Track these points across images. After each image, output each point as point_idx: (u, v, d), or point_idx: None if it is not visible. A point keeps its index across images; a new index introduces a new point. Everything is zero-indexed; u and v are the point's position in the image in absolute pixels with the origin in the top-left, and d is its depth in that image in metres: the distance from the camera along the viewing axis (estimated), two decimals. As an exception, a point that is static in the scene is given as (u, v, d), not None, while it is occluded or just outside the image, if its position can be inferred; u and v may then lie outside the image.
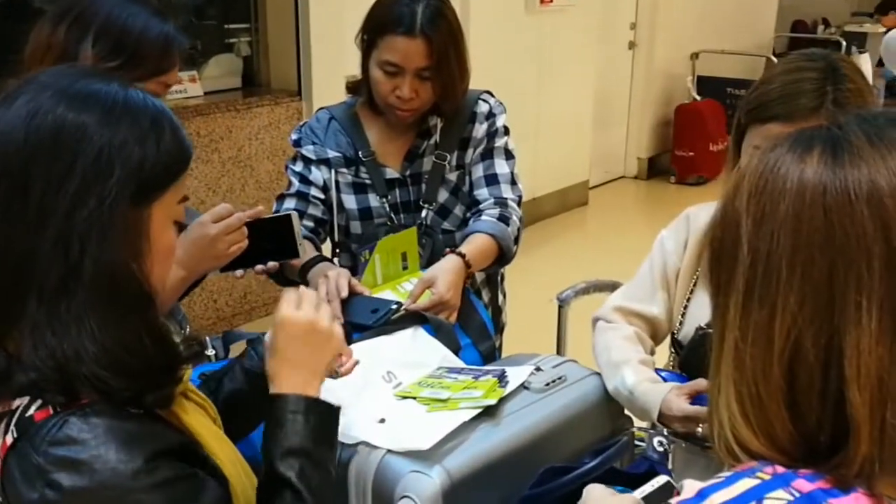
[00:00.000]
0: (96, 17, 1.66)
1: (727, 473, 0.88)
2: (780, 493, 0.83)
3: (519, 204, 2.27)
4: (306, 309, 1.29)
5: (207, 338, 1.89)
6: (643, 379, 1.73)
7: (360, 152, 2.22)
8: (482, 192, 2.24)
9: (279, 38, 4.90)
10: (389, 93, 2.11)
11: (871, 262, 0.82)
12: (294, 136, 2.28)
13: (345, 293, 1.94)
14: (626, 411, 1.78)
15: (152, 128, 1.07)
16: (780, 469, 0.85)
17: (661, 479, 1.36)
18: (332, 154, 2.23)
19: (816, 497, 0.82)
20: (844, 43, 9.64)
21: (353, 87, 2.28)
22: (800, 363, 0.85)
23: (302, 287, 1.35)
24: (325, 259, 2.13)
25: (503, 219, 2.20)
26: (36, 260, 1.01)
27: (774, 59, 8.03)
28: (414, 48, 2.05)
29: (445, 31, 2.08)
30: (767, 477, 0.85)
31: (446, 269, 2.02)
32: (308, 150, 2.24)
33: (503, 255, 2.21)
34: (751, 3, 9.19)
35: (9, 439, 1.02)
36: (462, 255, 2.07)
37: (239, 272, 1.89)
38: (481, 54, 5.26)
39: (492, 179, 2.25)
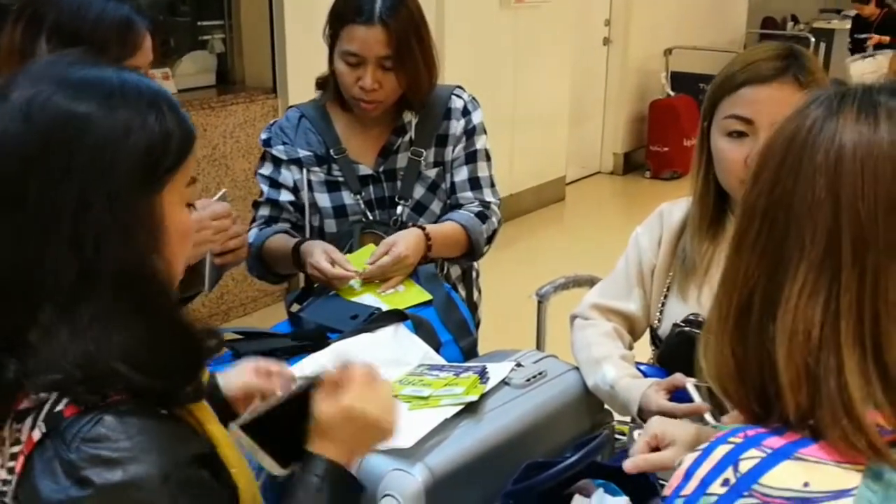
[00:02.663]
0: (49, 12, 1.62)
1: (704, 445, 0.91)
2: (752, 451, 0.87)
3: (499, 208, 2.30)
4: (378, 405, 1.25)
5: None
6: (624, 374, 1.73)
7: (330, 149, 2.21)
8: (466, 195, 2.26)
9: (253, 34, 4.87)
10: (353, 84, 2.10)
11: (817, 227, 0.87)
12: (264, 136, 2.27)
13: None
14: (606, 406, 1.79)
15: (152, 110, 1.03)
16: (750, 433, 0.89)
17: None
18: (302, 153, 2.21)
19: (787, 450, 0.87)
20: (813, 39, 9.77)
21: (321, 83, 2.27)
22: (748, 315, 0.91)
23: (374, 373, 1.30)
24: (301, 241, 2.13)
25: (481, 216, 2.23)
26: (47, 264, 0.98)
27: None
28: (373, 36, 2.05)
29: (405, 19, 2.07)
30: (739, 440, 0.89)
31: (406, 234, 2.08)
32: (278, 151, 2.22)
33: (471, 250, 2.23)
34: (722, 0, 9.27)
35: (36, 434, 0.99)
36: (423, 228, 2.11)
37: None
38: (456, 50, 5.30)
39: (475, 183, 2.27)
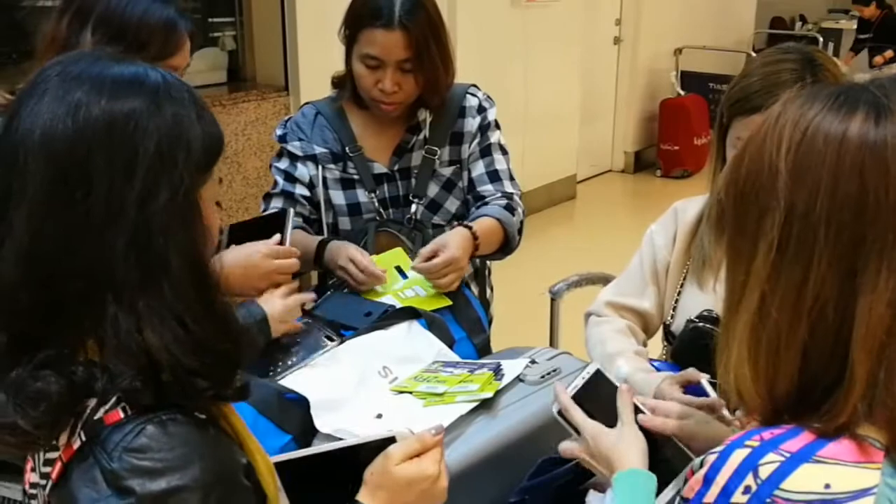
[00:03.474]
0: (96, 6, 1.67)
1: (720, 448, 0.92)
2: (771, 456, 0.88)
3: (520, 199, 2.29)
4: (431, 468, 1.21)
5: None
6: (637, 369, 1.74)
7: (346, 147, 2.21)
8: (487, 188, 2.24)
9: (265, 31, 4.86)
10: (372, 86, 2.10)
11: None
12: (279, 132, 2.27)
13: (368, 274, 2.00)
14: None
15: (193, 106, 1.04)
16: (766, 435, 0.90)
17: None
18: (318, 150, 2.21)
19: (805, 454, 0.87)
20: (821, 39, 9.76)
21: (338, 82, 2.26)
22: (821, 321, 0.89)
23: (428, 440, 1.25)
24: (327, 240, 2.13)
25: (509, 209, 2.22)
26: (109, 260, 0.96)
27: (754, 55, 8.10)
28: (393, 40, 2.04)
29: (424, 22, 2.06)
30: (756, 444, 0.89)
31: (456, 234, 2.05)
32: (294, 147, 2.22)
33: (507, 243, 2.22)
34: (731, 0, 9.25)
35: (76, 443, 0.98)
36: (470, 227, 2.09)
37: None
38: (468, 49, 5.30)
39: (494, 176, 2.26)
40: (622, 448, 1.27)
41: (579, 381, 1.38)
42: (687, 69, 8.11)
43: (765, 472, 0.87)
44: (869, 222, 0.87)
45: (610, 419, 1.32)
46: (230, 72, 4.97)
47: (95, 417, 0.97)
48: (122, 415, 0.97)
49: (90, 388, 0.97)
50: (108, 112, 0.98)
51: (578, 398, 1.35)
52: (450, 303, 2.03)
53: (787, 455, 0.87)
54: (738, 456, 0.89)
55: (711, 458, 0.91)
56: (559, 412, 1.35)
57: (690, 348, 1.75)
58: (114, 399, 0.97)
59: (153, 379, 0.97)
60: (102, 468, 0.95)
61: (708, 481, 0.90)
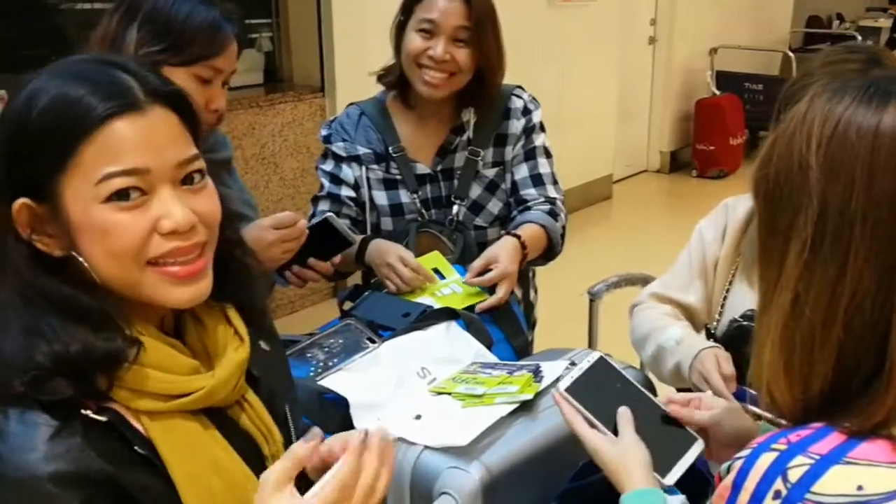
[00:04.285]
0: (144, 4, 1.70)
1: (746, 453, 0.91)
2: (799, 459, 0.86)
3: (563, 203, 2.28)
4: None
5: None
6: (692, 334, 1.76)
7: (389, 147, 2.21)
8: (530, 192, 2.24)
9: (301, 33, 4.88)
10: (422, 52, 2.09)
11: None
12: (324, 132, 2.27)
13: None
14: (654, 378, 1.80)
15: (25, 104, 1.01)
16: (793, 437, 0.89)
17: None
18: (362, 151, 2.21)
19: (835, 455, 0.86)
20: (859, 38, 9.61)
21: (383, 76, 2.25)
22: (858, 318, 0.88)
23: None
24: (370, 238, 2.15)
25: (553, 214, 2.22)
26: None
27: (791, 55, 8.04)
28: (454, 6, 2.06)
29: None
30: (783, 447, 0.88)
31: (506, 246, 2.06)
32: (338, 147, 2.23)
33: (551, 248, 2.22)
34: (767, -1, 9.19)
35: None
36: (518, 237, 2.09)
37: (287, 276, 1.95)
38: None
39: (538, 180, 2.25)
40: (627, 462, 1.26)
41: (576, 372, 1.37)
42: (722, 69, 8.07)
43: (794, 475, 0.85)
44: None
45: (612, 409, 1.32)
46: (267, 73, 5.00)
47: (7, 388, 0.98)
48: (19, 390, 0.97)
49: None
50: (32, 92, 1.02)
51: (576, 391, 1.34)
52: (486, 295, 2.03)
53: (817, 457, 0.86)
54: (766, 460, 0.88)
55: (738, 462, 0.90)
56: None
57: (734, 347, 1.73)
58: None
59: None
60: None
61: (737, 487, 0.89)
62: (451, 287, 2.05)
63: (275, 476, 0.96)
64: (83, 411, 0.99)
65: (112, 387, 1.01)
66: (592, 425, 1.32)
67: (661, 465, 1.29)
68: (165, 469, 1.02)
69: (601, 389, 1.36)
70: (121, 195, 1.00)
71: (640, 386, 1.41)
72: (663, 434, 1.35)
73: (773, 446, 0.89)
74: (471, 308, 2.01)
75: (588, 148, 6.75)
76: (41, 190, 1.00)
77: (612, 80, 7.01)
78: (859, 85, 0.92)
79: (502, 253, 2.02)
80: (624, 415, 1.31)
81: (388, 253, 2.05)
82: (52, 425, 0.96)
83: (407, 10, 2.13)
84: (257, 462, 1.13)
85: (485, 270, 2.01)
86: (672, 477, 1.29)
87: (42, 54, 4.38)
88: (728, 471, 0.91)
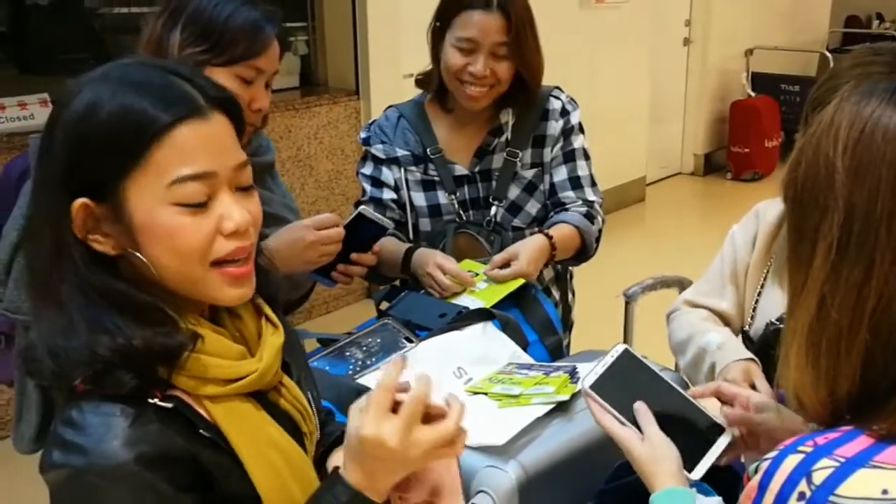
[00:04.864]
0: (188, 6, 1.73)
1: (773, 454, 0.91)
2: (825, 461, 0.86)
3: (601, 206, 2.29)
4: (399, 436, 1.06)
5: None
6: (730, 337, 1.76)
7: (427, 149, 2.22)
8: (568, 195, 2.24)
9: (337, 36, 4.92)
10: (462, 69, 2.09)
11: None
12: (363, 135, 2.29)
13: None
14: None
15: (97, 105, 1.04)
16: (819, 440, 0.88)
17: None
18: (400, 153, 2.23)
19: (861, 459, 0.85)
20: (899, 37, 9.49)
21: (422, 80, 2.27)
22: (885, 321, 0.88)
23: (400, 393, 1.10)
24: (414, 248, 2.15)
25: (589, 217, 2.22)
26: (37, 241, 1.06)
27: (828, 55, 7.95)
28: (491, 22, 2.05)
29: (521, 6, 2.08)
30: (809, 449, 0.88)
31: (530, 246, 2.07)
32: (377, 150, 2.25)
33: (584, 250, 2.22)
34: (805, -2, 9.10)
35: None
36: (549, 237, 2.10)
37: (333, 276, 1.96)
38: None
39: (576, 182, 2.25)
40: (656, 458, 1.25)
41: (601, 368, 1.36)
42: (758, 70, 8.00)
43: (818, 477, 0.85)
44: None
45: (636, 401, 1.31)
46: (302, 76, 5.05)
47: (73, 385, 1.03)
48: (84, 387, 1.02)
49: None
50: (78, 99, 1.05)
51: (601, 386, 1.33)
52: (523, 280, 2.04)
53: (842, 460, 0.86)
54: (791, 462, 0.88)
55: (765, 464, 0.91)
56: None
57: (770, 350, 1.73)
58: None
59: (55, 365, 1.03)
60: (51, 432, 1.03)
61: (763, 488, 0.89)
62: (486, 281, 2.07)
63: (376, 404, 1.05)
64: (150, 400, 1.04)
65: (172, 375, 1.06)
66: (621, 422, 1.32)
67: (689, 459, 1.28)
68: (230, 449, 1.08)
69: (627, 383, 1.35)
70: (190, 198, 1.04)
71: (666, 377, 1.41)
72: (691, 427, 1.34)
73: (800, 448, 0.89)
74: (505, 301, 2.02)
75: (621, 150, 6.73)
76: (102, 191, 1.04)
77: (645, 82, 6.99)
78: (885, 88, 0.92)
79: (523, 251, 2.04)
80: (642, 411, 1.30)
81: (427, 262, 2.07)
82: (128, 414, 1.01)
83: (443, 18, 2.13)
84: (297, 440, 1.20)
85: (506, 265, 2.03)
86: (699, 472, 1.28)
87: (81, 58, 4.45)
88: (756, 471, 0.92)
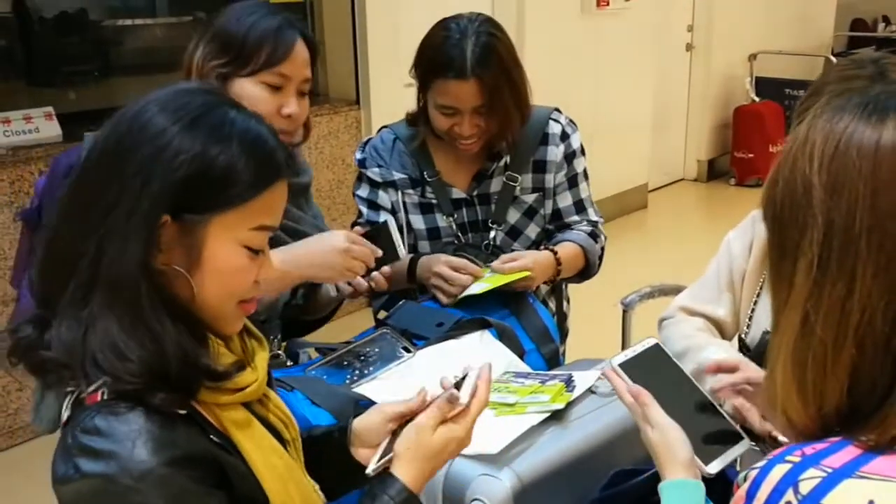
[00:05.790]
0: (215, 25, 1.77)
1: (761, 463, 0.91)
2: (811, 471, 0.86)
3: (602, 226, 2.33)
4: (460, 432, 1.27)
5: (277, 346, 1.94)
6: (730, 353, 1.76)
7: (425, 173, 2.22)
8: (573, 218, 2.29)
9: (337, 46, 4.93)
10: (449, 129, 2.10)
11: None
12: (358, 156, 2.28)
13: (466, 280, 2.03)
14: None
15: (220, 144, 1.09)
16: (808, 451, 0.88)
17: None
18: (397, 176, 2.23)
19: (848, 469, 0.85)
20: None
21: (412, 120, 2.25)
22: (870, 335, 0.88)
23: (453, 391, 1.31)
24: (417, 256, 2.17)
25: (593, 236, 2.27)
26: (75, 254, 1.07)
27: (833, 59, 7.92)
28: (467, 90, 2.03)
29: (497, 67, 2.04)
30: (797, 459, 0.88)
31: (536, 254, 2.11)
32: (374, 173, 2.24)
33: (587, 269, 2.26)
34: (809, 2, 9.06)
35: (65, 416, 1.09)
36: (554, 252, 2.13)
37: (340, 287, 1.96)
38: (537, 57, 5.30)
39: (580, 206, 2.30)
40: (668, 443, 1.26)
41: (630, 353, 1.38)
42: (762, 75, 7.97)
43: (805, 487, 0.85)
44: None
45: (660, 395, 1.32)
46: (303, 86, 5.04)
47: (81, 396, 1.07)
48: (99, 397, 1.05)
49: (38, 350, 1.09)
50: (137, 119, 1.10)
51: (627, 369, 1.35)
52: (529, 272, 2.04)
53: (829, 470, 0.86)
54: (779, 472, 0.88)
55: (753, 473, 0.91)
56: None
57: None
58: (100, 382, 1.05)
59: (77, 365, 1.06)
60: (67, 442, 1.05)
61: (750, 497, 0.89)
62: (490, 272, 2.08)
63: (431, 420, 1.26)
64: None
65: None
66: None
67: (705, 453, 1.29)
68: (239, 453, 1.14)
69: (652, 373, 1.37)
70: (258, 244, 1.14)
71: (691, 377, 1.42)
72: (711, 426, 1.35)
73: (788, 458, 0.89)
74: (503, 310, 2.03)
75: (623, 156, 6.73)
76: (192, 212, 1.09)
77: (648, 88, 6.99)
78: (858, 102, 0.93)
79: (530, 255, 2.08)
80: (644, 397, 1.31)
81: (434, 263, 2.08)
82: (153, 420, 1.04)
83: (423, 79, 2.11)
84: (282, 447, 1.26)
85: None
86: (714, 467, 1.28)
87: (87, 71, 4.47)
88: (745, 480, 0.92)
